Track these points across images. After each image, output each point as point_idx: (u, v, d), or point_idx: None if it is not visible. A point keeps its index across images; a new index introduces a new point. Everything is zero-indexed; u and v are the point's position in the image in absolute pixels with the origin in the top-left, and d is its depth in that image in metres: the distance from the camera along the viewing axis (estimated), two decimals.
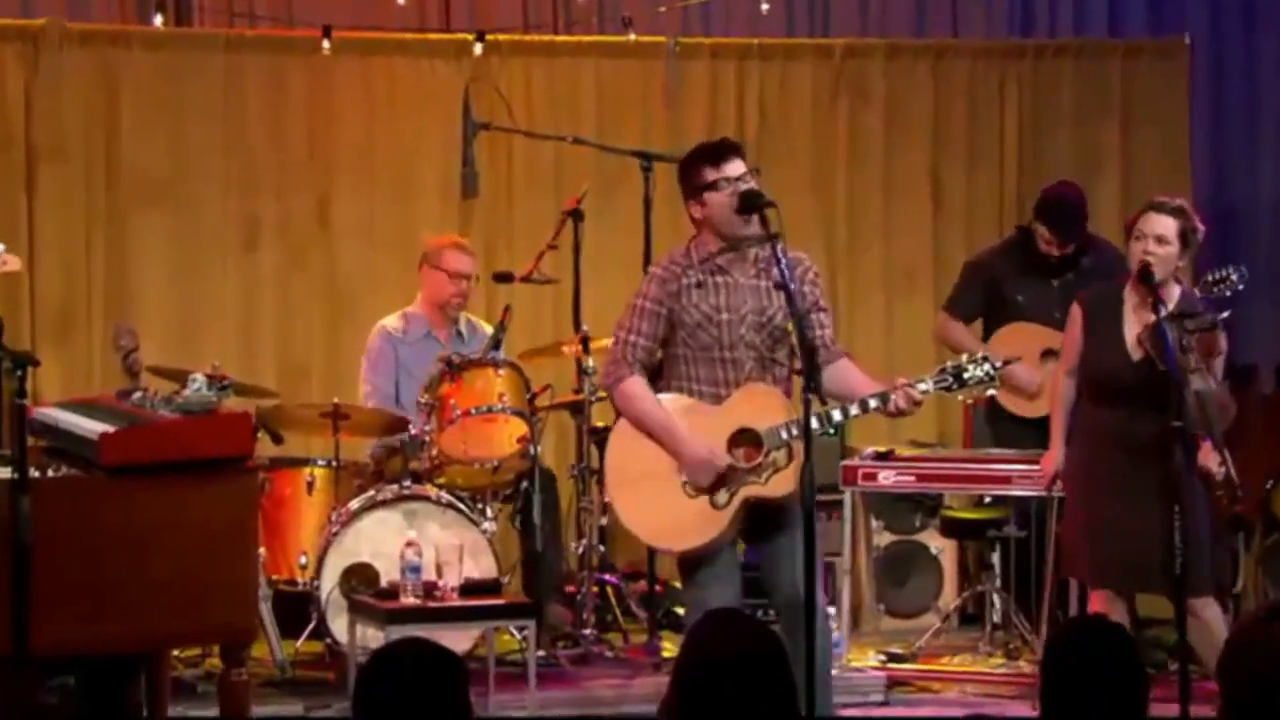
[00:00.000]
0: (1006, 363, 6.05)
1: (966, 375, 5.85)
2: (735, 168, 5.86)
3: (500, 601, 7.11)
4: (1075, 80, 9.66)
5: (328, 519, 7.46)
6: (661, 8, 9.45)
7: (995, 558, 8.01)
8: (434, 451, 7.36)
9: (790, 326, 5.72)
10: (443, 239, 8.24)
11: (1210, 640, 6.21)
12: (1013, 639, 7.87)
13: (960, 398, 6.67)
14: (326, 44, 8.90)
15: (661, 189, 7.71)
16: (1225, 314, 6.49)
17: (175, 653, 6.87)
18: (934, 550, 8.63)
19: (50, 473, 5.55)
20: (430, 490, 7.38)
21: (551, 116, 9.11)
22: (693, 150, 6.05)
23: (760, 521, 5.88)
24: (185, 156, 8.94)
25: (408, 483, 7.38)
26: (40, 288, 8.70)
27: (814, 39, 9.77)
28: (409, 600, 6.88)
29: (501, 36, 9.23)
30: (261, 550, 6.99)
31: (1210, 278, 6.87)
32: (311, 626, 7.40)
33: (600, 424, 7.72)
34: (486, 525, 7.38)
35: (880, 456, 7.70)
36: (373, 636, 6.92)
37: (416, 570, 6.90)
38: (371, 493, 7.42)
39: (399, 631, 6.49)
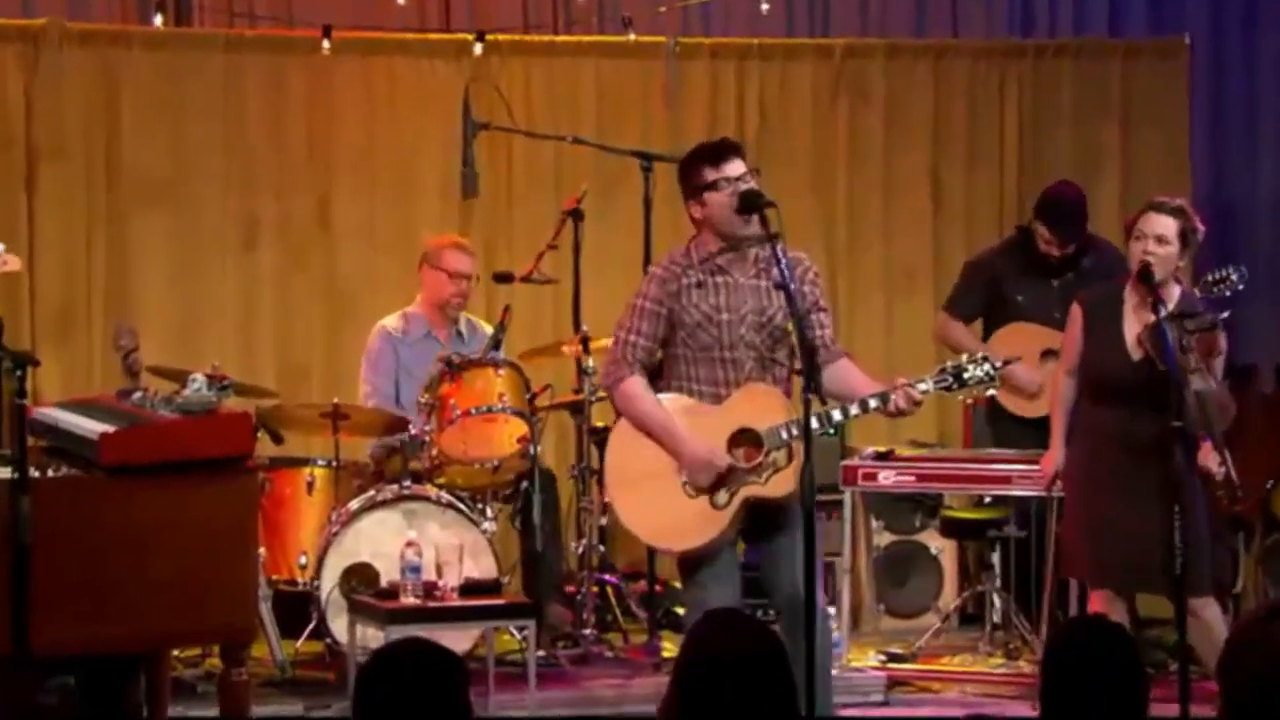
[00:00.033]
0: (1006, 363, 6.05)
1: (966, 375, 5.85)
2: (735, 168, 5.85)
3: (500, 601, 7.10)
4: (1075, 80, 9.66)
5: (328, 519, 7.45)
6: (661, 8, 9.45)
7: (995, 558, 8.01)
8: (434, 451, 7.36)
9: (790, 326, 5.72)
10: (442, 239, 8.24)
11: (1210, 640, 6.21)
12: (1013, 639, 7.87)
13: (960, 398, 6.67)
14: (326, 44, 8.90)
15: (661, 189, 7.71)
16: (1225, 314, 6.49)
17: (175, 653, 6.86)
18: (934, 550, 8.63)
19: (50, 473, 5.55)
20: (430, 490, 7.38)
21: (551, 116, 9.11)
22: (693, 150, 6.05)
23: (760, 521, 5.88)
24: (185, 156, 8.93)
25: (408, 483, 7.37)
26: (40, 287, 8.70)
27: (814, 39, 9.77)
28: (409, 600, 6.87)
29: (501, 36, 9.22)
30: (261, 550, 6.99)
31: (1210, 277, 6.87)
32: (311, 626, 7.40)
33: (600, 424, 7.71)
34: (486, 525, 7.38)
35: (880, 456, 7.70)
36: (373, 636, 6.92)
37: (416, 570, 6.90)
38: (371, 493, 7.42)
39: (399, 631, 6.49)
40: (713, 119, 9.30)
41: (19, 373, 5.31)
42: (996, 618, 8.00)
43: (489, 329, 7.98)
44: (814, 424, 5.43)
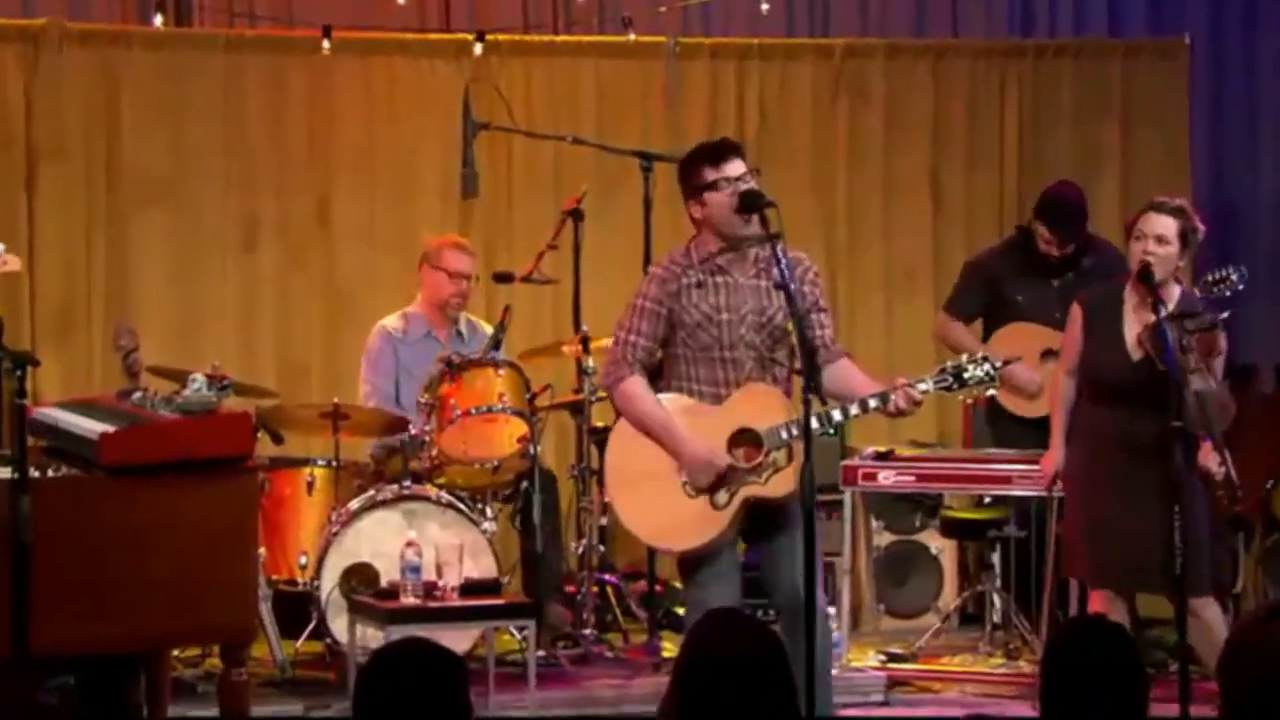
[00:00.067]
0: (1006, 363, 6.05)
1: (966, 375, 5.85)
2: (735, 168, 5.85)
3: (500, 601, 7.10)
4: (1075, 80, 9.65)
5: (328, 519, 7.45)
6: (661, 8, 9.44)
7: (995, 558, 8.01)
8: (434, 451, 7.35)
9: (790, 326, 5.72)
10: (442, 239, 8.24)
11: (1210, 640, 6.21)
12: (1013, 639, 7.86)
13: (960, 398, 6.66)
14: (326, 44, 8.90)
15: (661, 189, 7.70)
16: (1225, 314, 6.49)
17: (175, 653, 6.86)
18: (934, 550, 8.62)
19: (50, 473, 5.55)
20: (430, 490, 7.38)
21: (551, 116, 9.10)
22: (693, 150, 6.05)
23: (761, 522, 5.87)
24: (185, 156, 8.93)
25: (407, 483, 7.37)
26: (40, 287, 8.69)
27: (814, 39, 9.76)
28: (409, 600, 6.87)
29: (501, 36, 9.22)
30: (261, 550, 6.98)
31: (1210, 277, 6.87)
32: (311, 626, 7.39)
33: (600, 424, 7.71)
34: (486, 525, 7.38)
35: (880, 456, 7.70)
36: (372, 636, 6.92)
37: (416, 570, 6.89)
38: (371, 493, 7.42)
39: (399, 631, 6.48)
40: (713, 119, 9.30)
41: (19, 373, 5.30)
42: (996, 618, 8.00)
43: (489, 329, 7.97)
44: (814, 424, 5.43)
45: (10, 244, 7.59)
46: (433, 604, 6.88)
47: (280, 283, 9.07)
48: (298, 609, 7.44)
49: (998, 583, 7.99)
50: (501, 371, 7.44)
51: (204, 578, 5.53)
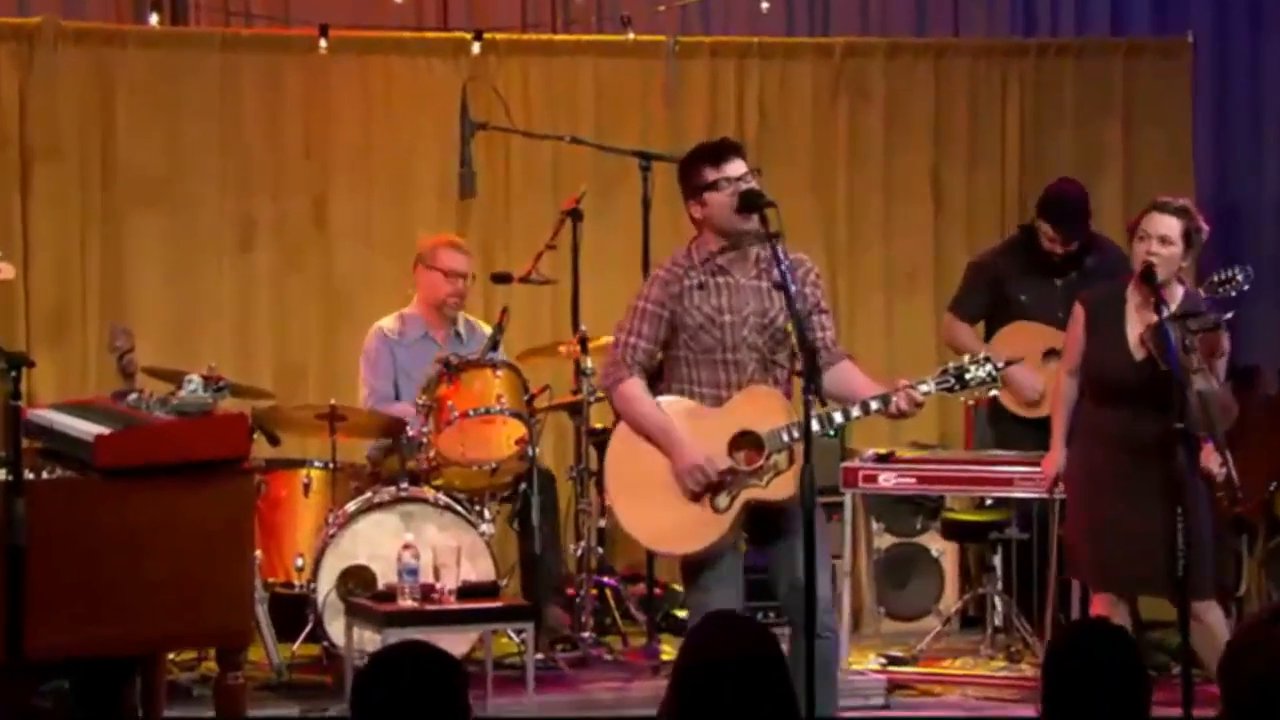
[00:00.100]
0: (1008, 363, 6.03)
1: (968, 376, 5.83)
2: (736, 167, 5.82)
3: (498, 604, 7.09)
4: (1077, 79, 9.64)
5: (324, 521, 7.43)
6: (660, 6, 9.42)
7: (997, 560, 7.99)
8: (432, 453, 7.33)
9: (790, 327, 5.69)
10: (436, 238, 8.22)
11: (1212, 643, 6.17)
12: (1014, 642, 7.84)
13: (962, 399, 6.64)
14: (323, 43, 8.87)
15: (661, 189, 7.69)
16: (1229, 314, 6.47)
17: (171, 656, 6.84)
18: (935, 553, 8.60)
19: (45, 475, 5.52)
20: (428, 492, 7.36)
21: (550, 116, 9.09)
22: (693, 150, 6.02)
23: (764, 525, 5.84)
24: (181, 156, 8.91)
25: (405, 485, 7.35)
26: (35, 288, 8.67)
27: (814, 38, 9.75)
28: (406, 603, 6.85)
29: (499, 35, 9.20)
30: (258, 552, 6.97)
31: (1216, 277, 6.86)
32: (308, 629, 7.38)
33: (599, 425, 7.69)
34: (484, 527, 7.36)
35: (881, 458, 7.67)
36: (370, 639, 6.90)
37: (414, 573, 6.88)
38: (369, 494, 7.40)
39: (396, 634, 6.47)
40: (712, 118, 9.28)
41: (13, 374, 5.28)
42: (998, 620, 7.98)
43: (488, 329, 7.94)
44: (815, 426, 5.40)
45: (4, 244, 7.59)
46: (430, 607, 6.87)
47: (277, 283, 9.04)
48: (294, 612, 7.43)
49: (999, 585, 7.97)
50: (499, 373, 7.42)
51: (200, 580, 5.51)
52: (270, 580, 7.50)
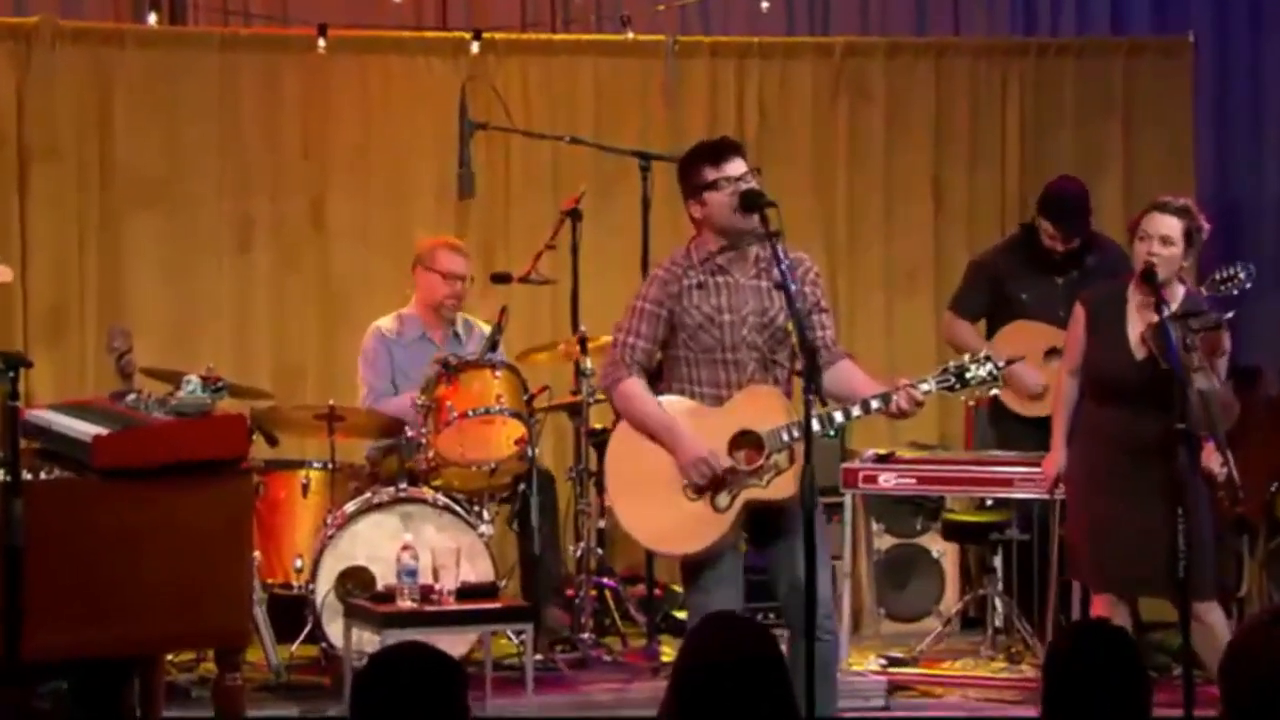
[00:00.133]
0: (1009, 362, 6.02)
1: (969, 375, 5.80)
2: (736, 167, 5.80)
3: (497, 605, 7.09)
4: (1078, 79, 9.63)
5: (323, 522, 7.43)
6: (660, 6, 9.41)
7: (997, 561, 7.98)
8: (431, 454, 7.32)
9: (790, 327, 5.67)
10: (434, 239, 8.22)
11: (1213, 644, 6.16)
12: (1015, 643, 7.83)
13: (963, 398, 6.63)
14: (322, 43, 8.87)
15: (660, 189, 7.68)
16: (1230, 314, 6.46)
17: (169, 657, 6.84)
18: (935, 553, 8.60)
19: (43, 475, 5.50)
20: (427, 493, 7.35)
21: (549, 116, 9.08)
22: (692, 149, 6.00)
23: (764, 525, 5.83)
24: (179, 156, 8.90)
25: (404, 485, 7.35)
26: (33, 289, 8.67)
27: (814, 37, 9.74)
28: (405, 604, 6.85)
29: (498, 35, 9.19)
30: (256, 553, 6.97)
31: (1218, 275, 6.85)
32: (307, 630, 7.38)
33: (599, 425, 7.69)
34: (483, 528, 7.35)
35: (881, 459, 7.65)
36: (369, 640, 6.90)
37: (413, 574, 6.88)
38: (367, 495, 7.39)
39: (395, 635, 6.46)
40: (712, 118, 9.27)
41: (11, 374, 5.27)
42: (998, 621, 7.97)
43: (487, 329, 7.93)
44: (815, 425, 5.38)
45: (2, 245, 7.58)
46: (429, 608, 6.87)
47: (275, 284, 9.04)
48: (293, 613, 7.43)
49: (999, 586, 7.96)
50: (499, 373, 7.42)
51: (198, 581, 5.50)
52: (269, 581, 7.50)
